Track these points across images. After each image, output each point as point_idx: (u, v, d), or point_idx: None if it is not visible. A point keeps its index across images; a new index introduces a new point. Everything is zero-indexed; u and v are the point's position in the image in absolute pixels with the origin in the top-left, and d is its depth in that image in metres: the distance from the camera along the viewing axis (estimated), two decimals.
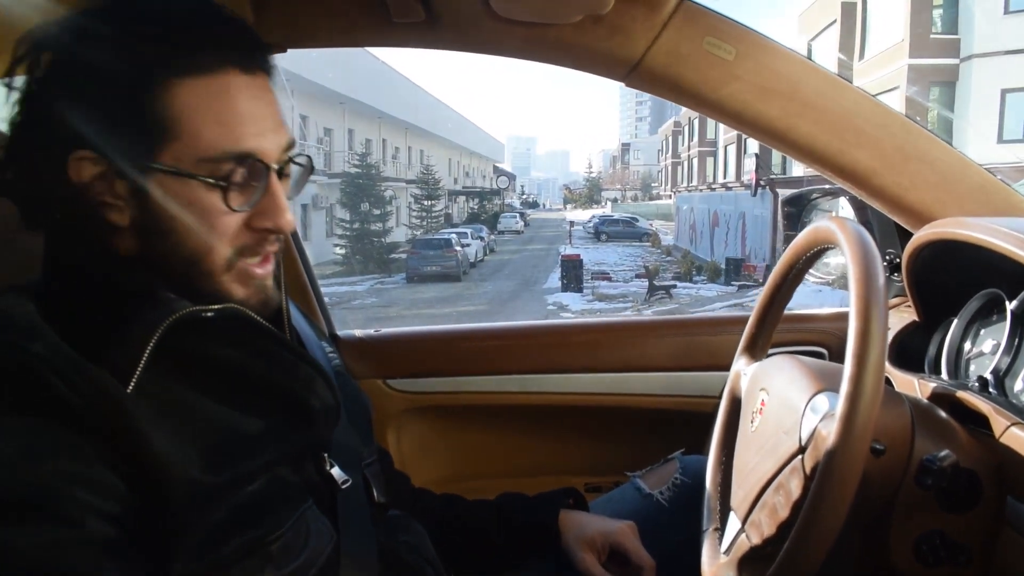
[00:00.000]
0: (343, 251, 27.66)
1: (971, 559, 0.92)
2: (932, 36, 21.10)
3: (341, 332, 1.81)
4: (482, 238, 31.29)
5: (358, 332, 1.86)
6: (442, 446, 1.84)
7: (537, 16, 1.24)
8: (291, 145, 0.85)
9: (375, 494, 0.98)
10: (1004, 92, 20.01)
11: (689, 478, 1.28)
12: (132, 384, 0.71)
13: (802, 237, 1.03)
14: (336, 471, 0.90)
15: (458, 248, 24.72)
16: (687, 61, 1.25)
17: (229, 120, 0.78)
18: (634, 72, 1.29)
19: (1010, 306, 1.13)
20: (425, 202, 35.34)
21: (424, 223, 34.45)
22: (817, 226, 0.98)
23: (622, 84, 1.35)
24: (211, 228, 0.78)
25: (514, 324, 1.96)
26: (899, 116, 1.30)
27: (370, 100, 30.56)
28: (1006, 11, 19.93)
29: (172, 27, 0.77)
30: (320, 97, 25.70)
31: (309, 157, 0.90)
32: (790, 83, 1.26)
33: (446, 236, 26.25)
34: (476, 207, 46.59)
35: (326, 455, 0.90)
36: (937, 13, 21.22)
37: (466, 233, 28.99)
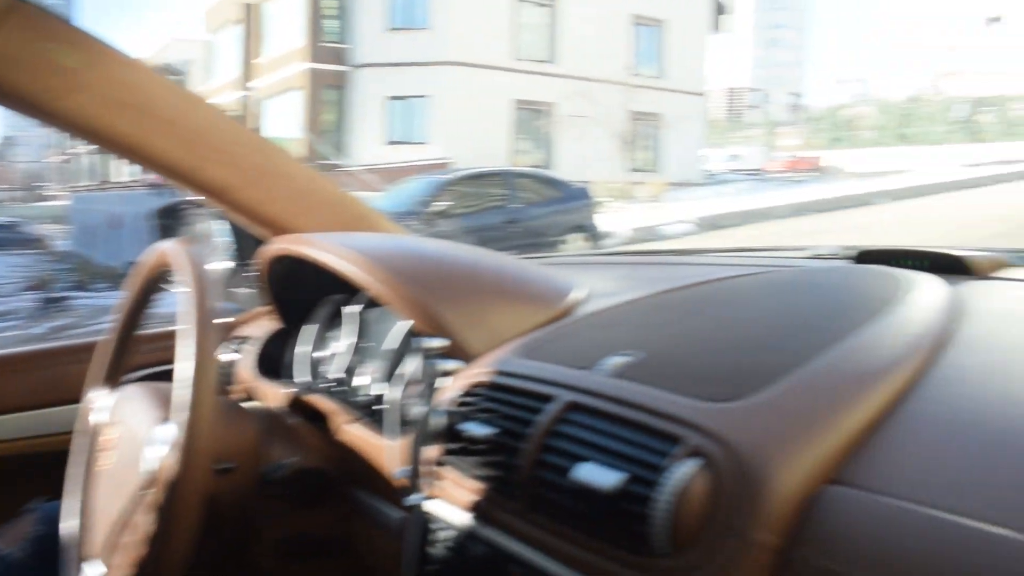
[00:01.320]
0: None
1: (333, 550, 1.03)
2: (326, 44, 22.58)
3: None
4: None
5: None
6: None
7: None
8: None
9: None
10: (389, 99, 22.27)
11: (50, 528, 1.22)
12: None
13: (144, 259, 1.05)
14: None
15: None
16: (24, 67, 1.14)
17: None
18: None
19: (346, 311, 1.23)
20: None
21: None
22: (157, 249, 1.01)
23: None
24: None
25: None
26: (254, 135, 1.39)
27: None
28: (389, 27, 22.16)
29: None
30: None
31: None
32: (142, 96, 1.24)
33: None
34: None
35: None
36: (331, 23, 22.74)
37: None
